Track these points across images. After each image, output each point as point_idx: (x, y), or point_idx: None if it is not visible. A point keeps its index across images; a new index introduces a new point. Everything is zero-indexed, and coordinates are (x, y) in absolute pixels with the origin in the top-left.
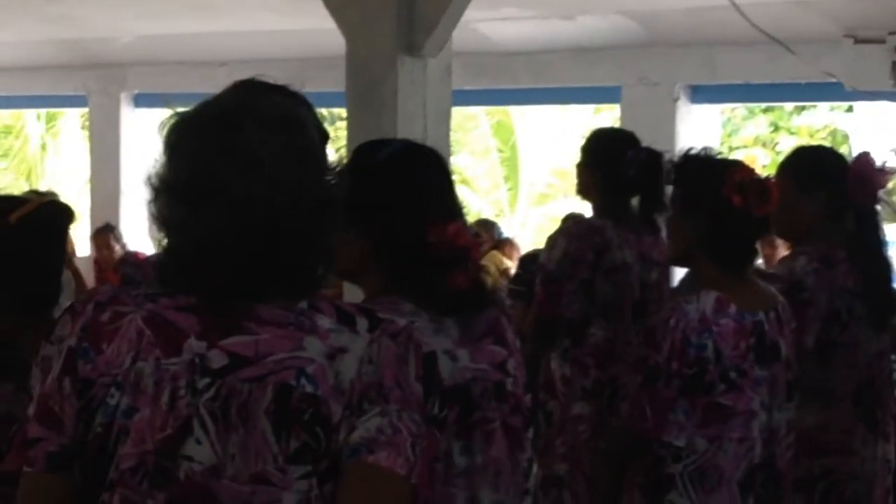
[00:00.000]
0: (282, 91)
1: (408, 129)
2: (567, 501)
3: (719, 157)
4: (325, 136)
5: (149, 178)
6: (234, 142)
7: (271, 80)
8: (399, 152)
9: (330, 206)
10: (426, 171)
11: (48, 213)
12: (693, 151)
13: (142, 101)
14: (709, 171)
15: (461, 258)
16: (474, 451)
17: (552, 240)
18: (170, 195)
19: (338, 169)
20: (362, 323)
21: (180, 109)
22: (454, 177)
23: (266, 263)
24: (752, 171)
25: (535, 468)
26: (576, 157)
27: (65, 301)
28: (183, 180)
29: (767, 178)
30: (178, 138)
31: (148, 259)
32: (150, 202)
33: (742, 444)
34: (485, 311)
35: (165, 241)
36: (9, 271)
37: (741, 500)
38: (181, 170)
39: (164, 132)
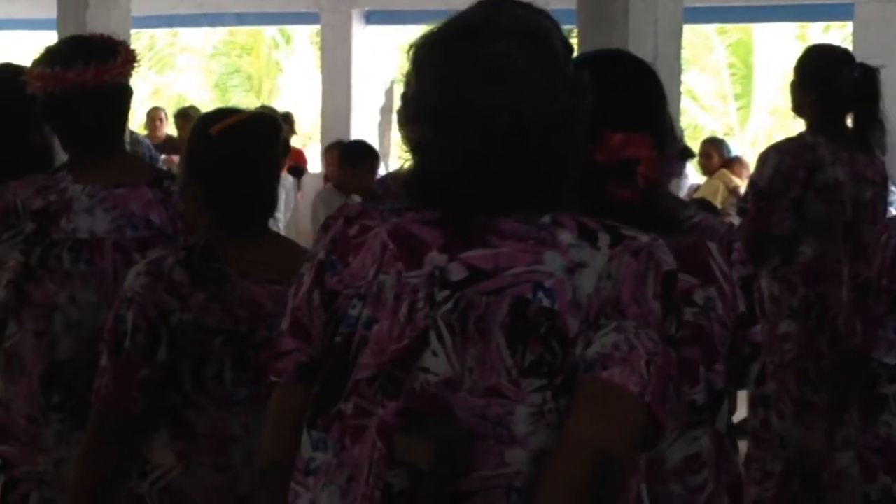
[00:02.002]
0: (525, 5)
1: (638, 46)
2: (773, 421)
3: None
4: (569, 49)
5: (402, 98)
6: (478, 55)
7: None
8: (594, 58)
9: (574, 118)
10: (607, 76)
11: (251, 126)
12: None
13: (373, 18)
14: None
15: (627, 170)
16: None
17: (764, 156)
18: (416, 112)
19: (583, 82)
20: (604, 238)
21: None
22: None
23: (510, 177)
24: None
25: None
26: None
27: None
28: (428, 96)
29: None
30: (424, 55)
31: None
32: (398, 121)
33: None
34: (674, 235)
35: (412, 158)
36: (208, 182)
37: None
38: (426, 86)
39: (411, 51)
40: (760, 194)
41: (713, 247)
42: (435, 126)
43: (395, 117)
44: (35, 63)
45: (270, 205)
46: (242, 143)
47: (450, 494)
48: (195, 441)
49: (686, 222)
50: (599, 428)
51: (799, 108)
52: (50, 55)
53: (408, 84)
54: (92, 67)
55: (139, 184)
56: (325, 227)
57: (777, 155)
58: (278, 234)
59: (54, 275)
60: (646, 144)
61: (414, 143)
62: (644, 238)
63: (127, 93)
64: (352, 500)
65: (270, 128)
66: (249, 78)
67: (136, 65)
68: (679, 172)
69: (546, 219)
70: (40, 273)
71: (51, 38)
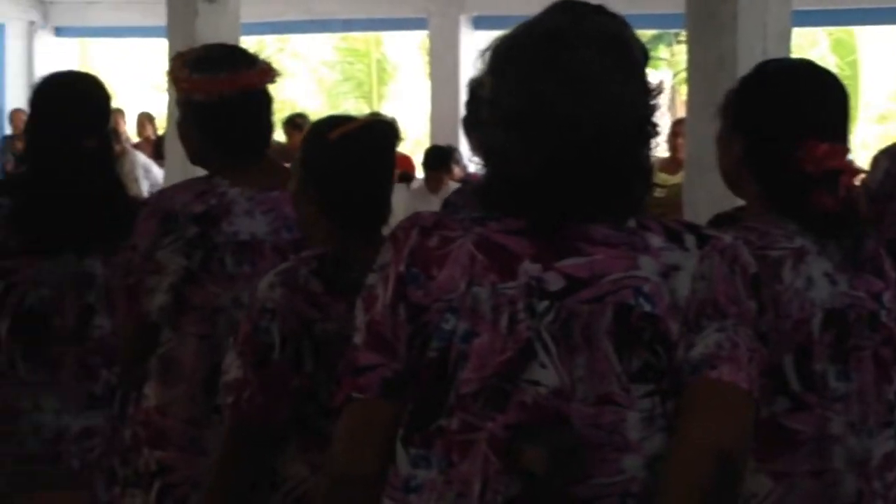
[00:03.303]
0: (606, 12)
1: (747, 49)
2: None
3: None
4: (646, 57)
5: (472, 102)
6: (562, 60)
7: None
8: (785, 68)
9: (652, 125)
10: (809, 85)
11: (370, 132)
12: None
13: (481, 23)
14: None
15: (830, 179)
16: (851, 376)
17: (876, 159)
18: (494, 116)
19: (658, 91)
20: (690, 239)
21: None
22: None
23: (593, 184)
24: None
25: None
26: None
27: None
28: (509, 100)
29: None
30: (503, 59)
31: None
32: (474, 125)
33: None
34: (864, 240)
35: (490, 165)
36: (327, 188)
37: None
38: (507, 90)
39: (489, 55)
40: (871, 198)
41: (883, 252)
42: (516, 131)
43: None
44: (181, 69)
45: (387, 210)
46: (361, 149)
47: (566, 501)
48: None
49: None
50: (717, 428)
51: None
52: (198, 62)
53: (482, 87)
54: (255, 71)
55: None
56: (395, 238)
57: (888, 158)
58: None
59: (217, 278)
60: (846, 154)
61: (490, 148)
62: (727, 238)
63: (271, 99)
64: None
65: (388, 133)
66: (360, 84)
67: (276, 72)
68: None
69: (632, 223)
70: (202, 276)
71: (161, 45)
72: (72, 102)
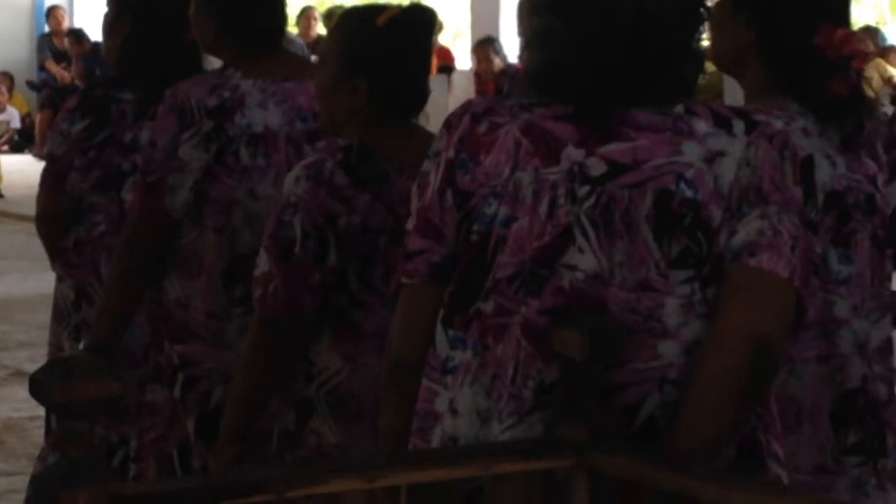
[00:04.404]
0: None
1: None
2: None
3: None
4: None
5: None
6: None
7: None
8: None
9: (696, 9)
10: None
11: (413, 17)
12: None
13: None
14: None
15: (844, 65)
16: (852, 259)
17: None
18: (536, 6)
19: None
20: (738, 125)
21: None
22: None
23: (638, 68)
24: None
25: None
26: None
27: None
28: None
29: None
30: None
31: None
32: (518, 14)
33: None
34: (864, 124)
35: (536, 52)
36: (379, 74)
37: None
38: None
39: None
40: None
41: (873, 134)
42: (560, 17)
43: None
44: None
45: (425, 98)
46: (410, 33)
47: (604, 386)
48: (361, 342)
49: None
50: (754, 316)
51: None
52: None
53: None
54: None
55: (304, 77)
56: (448, 124)
57: None
58: (426, 130)
59: (233, 171)
60: (855, 38)
61: (536, 34)
62: (778, 123)
63: None
64: (496, 398)
65: (430, 18)
66: None
67: None
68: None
69: (680, 108)
70: (217, 170)
71: None
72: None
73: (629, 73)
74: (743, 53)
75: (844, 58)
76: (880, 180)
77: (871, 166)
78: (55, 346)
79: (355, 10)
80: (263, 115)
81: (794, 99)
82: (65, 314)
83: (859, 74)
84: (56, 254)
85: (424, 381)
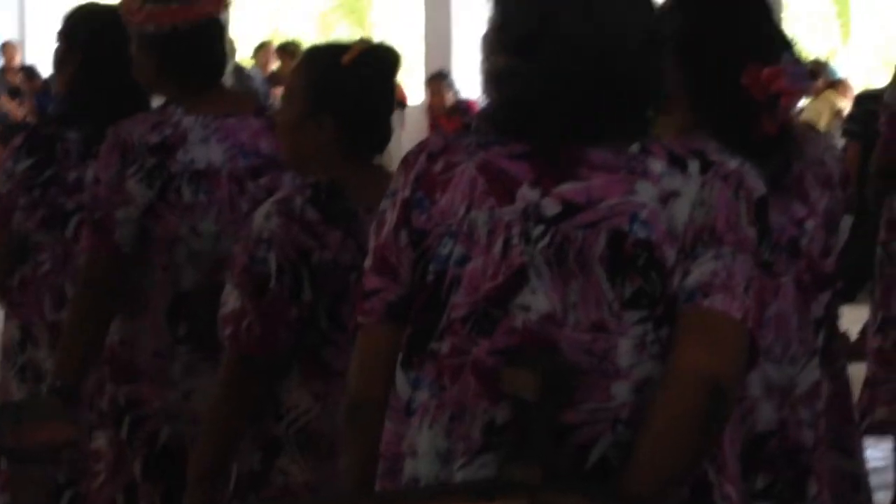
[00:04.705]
0: None
1: None
2: None
3: None
4: None
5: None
6: None
7: None
8: None
9: (658, 47)
10: (746, 5)
11: (378, 56)
12: None
13: None
14: None
15: (772, 103)
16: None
17: None
18: (500, 40)
19: (664, 14)
20: (693, 165)
21: None
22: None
23: (597, 107)
24: None
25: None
26: None
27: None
28: (513, 24)
29: None
30: None
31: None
32: (481, 52)
33: None
34: (792, 163)
35: (496, 90)
36: (344, 112)
37: None
38: (511, 13)
39: None
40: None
41: (811, 176)
42: (521, 54)
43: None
44: (134, 0)
45: (389, 136)
46: (375, 72)
47: (555, 426)
48: (331, 380)
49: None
50: (708, 357)
51: None
52: None
53: (491, 12)
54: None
55: (245, 114)
56: (405, 162)
57: None
58: (388, 169)
59: (175, 208)
60: (783, 76)
61: (498, 72)
62: (732, 162)
63: (223, 26)
64: (455, 438)
65: (394, 57)
66: (353, 10)
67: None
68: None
69: (635, 147)
70: (160, 207)
71: None
72: (117, 33)
73: (593, 109)
74: (672, 93)
75: (772, 96)
76: (809, 224)
77: (799, 210)
78: (2, 387)
79: (321, 48)
80: (206, 151)
81: (721, 138)
82: (11, 354)
83: (787, 112)
84: (2, 293)
85: (388, 424)
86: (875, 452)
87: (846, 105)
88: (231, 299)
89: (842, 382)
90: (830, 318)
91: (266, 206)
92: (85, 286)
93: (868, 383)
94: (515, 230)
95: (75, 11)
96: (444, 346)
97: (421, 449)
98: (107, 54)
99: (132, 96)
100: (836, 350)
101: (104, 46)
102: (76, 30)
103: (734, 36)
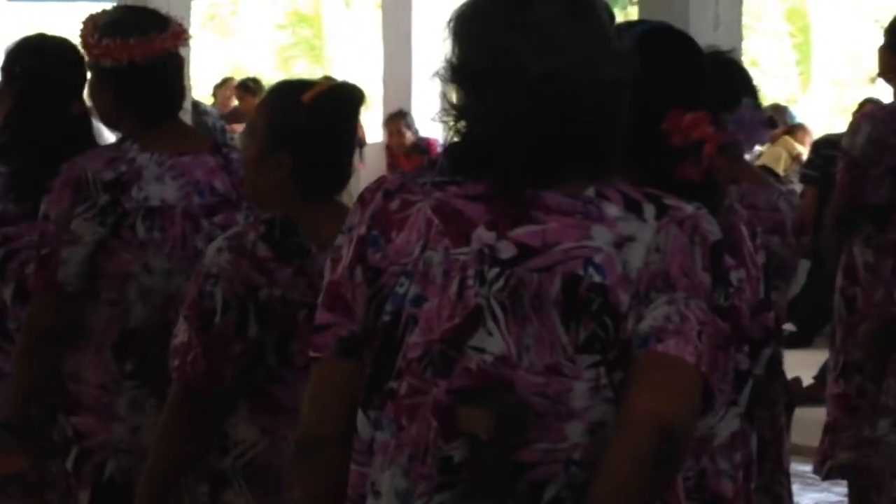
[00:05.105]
0: None
1: (700, 12)
2: (869, 389)
3: None
4: (612, 18)
5: (440, 67)
6: (526, 19)
7: None
8: (649, 34)
9: (621, 87)
10: (673, 52)
11: (339, 95)
12: None
13: None
14: None
15: (695, 150)
16: None
17: (855, 124)
18: (459, 80)
19: (627, 51)
20: (649, 210)
21: None
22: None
23: (557, 146)
24: None
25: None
26: (877, 41)
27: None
28: (472, 62)
29: None
30: (468, 22)
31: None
32: (441, 89)
33: None
34: (718, 212)
35: (456, 128)
36: (303, 150)
37: None
38: (470, 52)
39: (453, 22)
40: (853, 163)
41: (744, 229)
42: (479, 92)
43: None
44: (91, 34)
45: (348, 175)
46: (336, 111)
47: (510, 465)
48: (279, 415)
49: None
50: (661, 401)
51: (887, 73)
52: (109, 26)
53: (450, 49)
54: (166, 35)
55: (201, 151)
56: (362, 200)
57: (869, 123)
58: (347, 207)
59: (129, 245)
60: (708, 122)
61: (458, 108)
62: (688, 208)
63: (181, 62)
64: (414, 478)
65: (357, 96)
66: (312, 48)
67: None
68: (765, 140)
69: (591, 191)
70: (113, 244)
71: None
72: (57, 67)
73: (549, 150)
74: None
75: (694, 143)
76: (734, 275)
77: (726, 260)
78: None
79: (284, 85)
80: (160, 188)
81: (637, 183)
82: None
83: (711, 160)
84: None
85: (353, 466)
86: (830, 496)
87: (804, 150)
88: (181, 332)
89: (778, 428)
90: (773, 365)
91: (218, 241)
92: (29, 324)
93: (829, 428)
94: (471, 272)
95: (18, 45)
96: (402, 387)
97: (383, 489)
98: (42, 88)
99: (70, 130)
100: (776, 396)
101: (43, 81)
102: (15, 63)
103: (657, 81)
